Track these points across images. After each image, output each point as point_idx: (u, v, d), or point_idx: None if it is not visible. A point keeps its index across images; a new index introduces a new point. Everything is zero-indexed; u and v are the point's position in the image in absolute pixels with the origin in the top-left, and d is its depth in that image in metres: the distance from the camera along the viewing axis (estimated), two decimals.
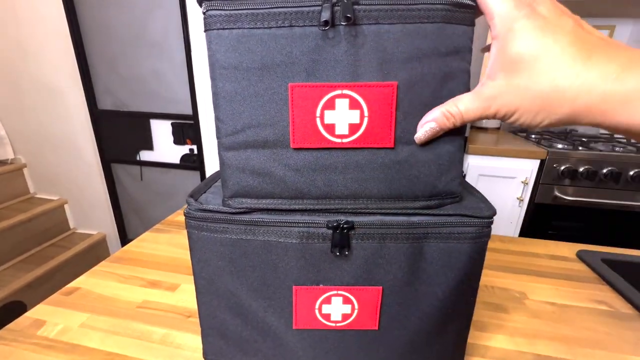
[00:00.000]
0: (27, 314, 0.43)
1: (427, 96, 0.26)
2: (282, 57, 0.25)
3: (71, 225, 1.93)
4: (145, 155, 1.72)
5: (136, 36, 1.47)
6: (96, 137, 1.71)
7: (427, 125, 0.26)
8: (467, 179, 1.32)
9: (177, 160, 1.69)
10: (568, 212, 1.32)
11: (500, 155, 1.29)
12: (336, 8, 0.24)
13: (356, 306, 0.31)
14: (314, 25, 0.24)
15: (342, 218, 0.28)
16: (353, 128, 0.26)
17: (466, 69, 0.26)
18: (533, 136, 1.49)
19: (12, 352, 0.37)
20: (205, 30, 0.26)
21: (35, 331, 0.40)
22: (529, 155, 1.27)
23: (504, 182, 1.32)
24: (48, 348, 0.38)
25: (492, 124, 1.65)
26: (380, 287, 0.30)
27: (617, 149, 1.26)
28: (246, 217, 0.29)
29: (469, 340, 0.40)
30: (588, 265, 0.57)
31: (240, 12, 0.25)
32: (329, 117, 0.26)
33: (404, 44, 0.25)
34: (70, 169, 1.81)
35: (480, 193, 0.33)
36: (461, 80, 0.26)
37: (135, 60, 1.52)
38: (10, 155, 1.79)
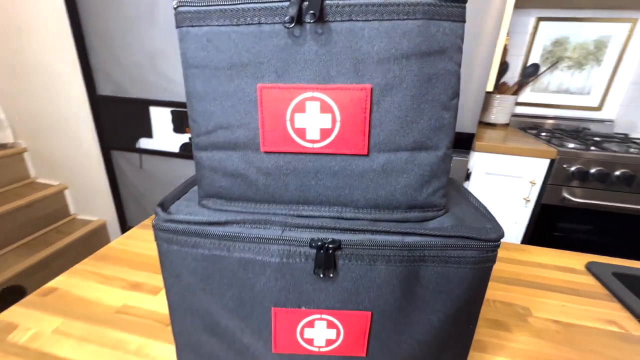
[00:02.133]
0: None
1: (407, 100, 0.23)
2: (251, 56, 0.23)
3: (71, 211, 1.93)
4: (144, 143, 1.69)
5: (138, 21, 1.42)
6: (96, 123, 1.68)
7: None
8: (473, 176, 1.28)
9: (176, 149, 1.66)
10: (576, 215, 1.28)
11: (508, 153, 1.24)
12: (304, 4, 0.21)
13: (342, 331, 0.28)
14: (282, 23, 0.22)
15: (328, 236, 0.25)
16: (324, 133, 0.24)
17: (454, 71, 0.23)
18: (543, 134, 1.44)
19: None
20: (176, 27, 0.24)
21: (5, 336, 0.38)
22: (538, 154, 1.23)
23: (511, 181, 1.28)
24: (16, 356, 0.35)
25: (501, 119, 1.59)
26: (369, 312, 0.27)
27: (631, 150, 1.21)
28: (220, 230, 0.26)
29: None
30: (598, 279, 0.53)
31: (209, 8, 0.23)
32: (299, 120, 0.24)
33: (380, 43, 0.22)
34: (71, 155, 1.80)
35: (487, 210, 0.29)
36: (448, 83, 0.24)
37: (135, 46, 1.48)
38: (10, 139, 1.78)
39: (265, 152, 0.26)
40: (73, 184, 1.88)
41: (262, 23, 0.23)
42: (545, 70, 1.56)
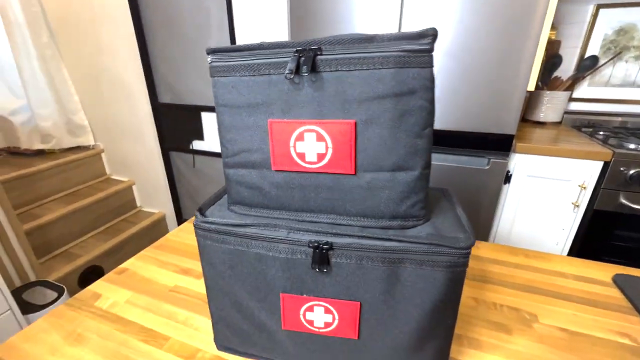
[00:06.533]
0: (89, 287, 0.54)
1: (385, 131, 0.29)
2: (263, 99, 0.30)
3: (138, 203, 2.22)
4: (197, 145, 1.89)
5: (192, 36, 1.60)
6: (157, 127, 1.92)
7: None
8: (514, 179, 1.23)
9: None
10: (635, 222, 1.16)
11: (553, 154, 1.17)
12: (302, 59, 0.28)
13: (336, 317, 0.34)
14: (284, 74, 0.29)
15: (323, 239, 0.31)
16: (320, 156, 0.31)
17: (424, 107, 0.28)
18: (601, 133, 1.32)
19: (76, 317, 0.47)
20: (210, 76, 0.32)
21: (93, 302, 0.50)
22: (589, 156, 1.14)
23: (557, 184, 1.20)
24: (101, 317, 0.47)
25: (552, 117, 1.49)
26: (358, 302, 0.33)
27: None
28: (241, 231, 0.34)
29: (460, 357, 0.40)
30: (623, 292, 0.52)
31: (234, 63, 0.31)
32: (300, 147, 0.31)
33: (361, 87, 0.28)
34: (137, 155, 2.07)
35: (467, 221, 0.33)
36: (419, 117, 0.29)
37: (191, 59, 1.66)
38: (91, 141, 2.10)
39: (276, 170, 0.33)
40: (139, 180, 2.17)
41: (271, 74, 0.29)
42: (605, 63, 1.42)
